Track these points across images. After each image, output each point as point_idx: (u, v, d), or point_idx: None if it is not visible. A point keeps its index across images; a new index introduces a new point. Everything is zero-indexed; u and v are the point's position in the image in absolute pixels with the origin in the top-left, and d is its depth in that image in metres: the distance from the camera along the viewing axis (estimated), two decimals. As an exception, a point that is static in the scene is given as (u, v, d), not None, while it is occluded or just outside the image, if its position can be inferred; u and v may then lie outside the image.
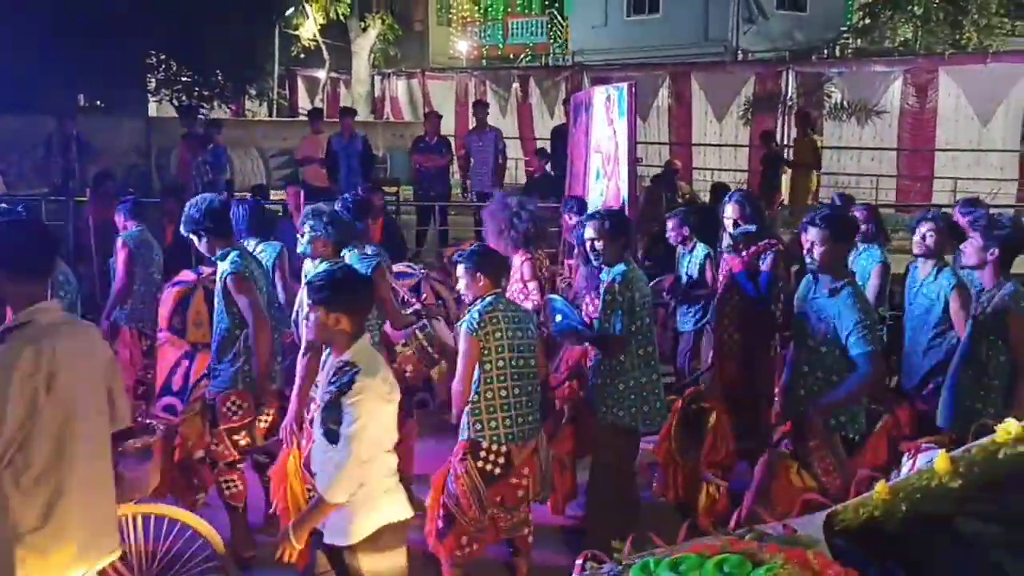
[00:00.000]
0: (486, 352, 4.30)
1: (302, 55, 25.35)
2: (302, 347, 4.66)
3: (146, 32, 14.74)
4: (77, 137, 11.21)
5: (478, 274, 4.42)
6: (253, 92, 19.43)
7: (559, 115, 17.38)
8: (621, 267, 4.81)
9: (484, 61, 29.32)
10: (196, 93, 16.91)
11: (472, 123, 13.24)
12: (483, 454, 4.29)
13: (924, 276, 5.11)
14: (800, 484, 4.16)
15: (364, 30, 23.78)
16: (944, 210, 6.40)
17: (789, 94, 16.18)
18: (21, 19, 12.82)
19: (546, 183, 10.86)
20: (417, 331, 5.66)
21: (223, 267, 4.73)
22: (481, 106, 12.74)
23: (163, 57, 16.67)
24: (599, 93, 8.20)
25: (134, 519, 3.98)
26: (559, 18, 28.82)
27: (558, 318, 5.03)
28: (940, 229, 5.07)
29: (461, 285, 4.55)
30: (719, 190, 9.61)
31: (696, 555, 2.69)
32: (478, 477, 4.28)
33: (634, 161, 7.48)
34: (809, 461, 4.29)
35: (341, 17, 23.43)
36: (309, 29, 24.25)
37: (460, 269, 4.51)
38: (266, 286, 5.00)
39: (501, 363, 4.31)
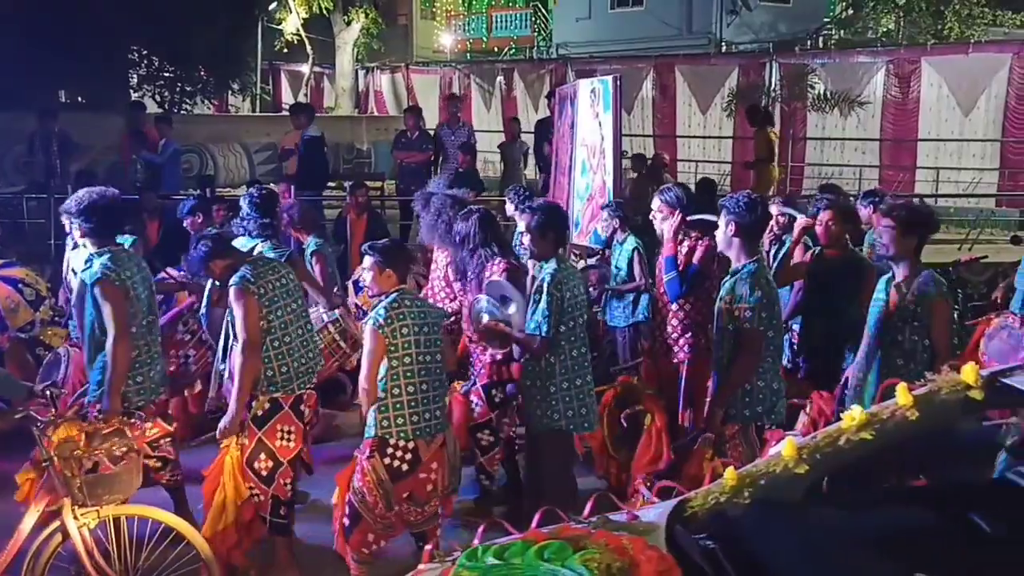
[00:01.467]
0: (393, 348, 4.26)
1: (285, 50, 25.20)
2: (238, 346, 4.51)
3: (128, 27, 14.61)
4: (58, 134, 11.12)
5: (387, 270, 4.41)
6: (236, 87, 19.30)
7: (543, 108, 17.39)
8: (552, 266, 4.68)
9: (468, 55, 29.26)
10: (179, 89, 16.80)
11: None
12: (390, 450, 4.27)
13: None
14: (707, 470, 4.21)
15: (348, 24, 23.66)
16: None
17: (772, 85, 16.22)
18: (2, 15, 12.70)
19: (470, 178, 10.79)
20: (329, 325, 5.67)
21: (91, 271, 4.60)
22: (454, 100, 12.72)
23: (145, 52, 16.54)
24: (584, 86, 8.20)
25: (116, 520, 3.98)
26: (543, 11, 28.78)
27: (484, 318, 4.95)
28: (841, 217, 5.15)
29: (367, 277, 4.52)
30: (705, 186, 9.57)
31: (523, 542, 2.73)
32: (384, 473, 4.26)
33: (619, 154, 7.49)
34: (725, 449, 4.39)
35: (324, 11, 23.30)
36: (292, 23, 24.10)
37: (367, 262, 4.47)
38: (146, 291, 4.83)
39: (408, 359, 4.28)
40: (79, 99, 16.63)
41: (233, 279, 4.56)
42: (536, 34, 29.11)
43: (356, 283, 7.18)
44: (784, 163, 15.97)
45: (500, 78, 20.42)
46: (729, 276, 4.55)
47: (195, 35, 15.21)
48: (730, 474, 2.99)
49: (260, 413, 4.53)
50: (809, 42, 21.37)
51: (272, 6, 23.18)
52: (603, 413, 5.33)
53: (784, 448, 2.95)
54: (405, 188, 11.97)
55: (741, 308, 4.37)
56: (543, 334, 4.59)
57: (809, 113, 16.11)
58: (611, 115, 7.29)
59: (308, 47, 23.93)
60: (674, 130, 17.42)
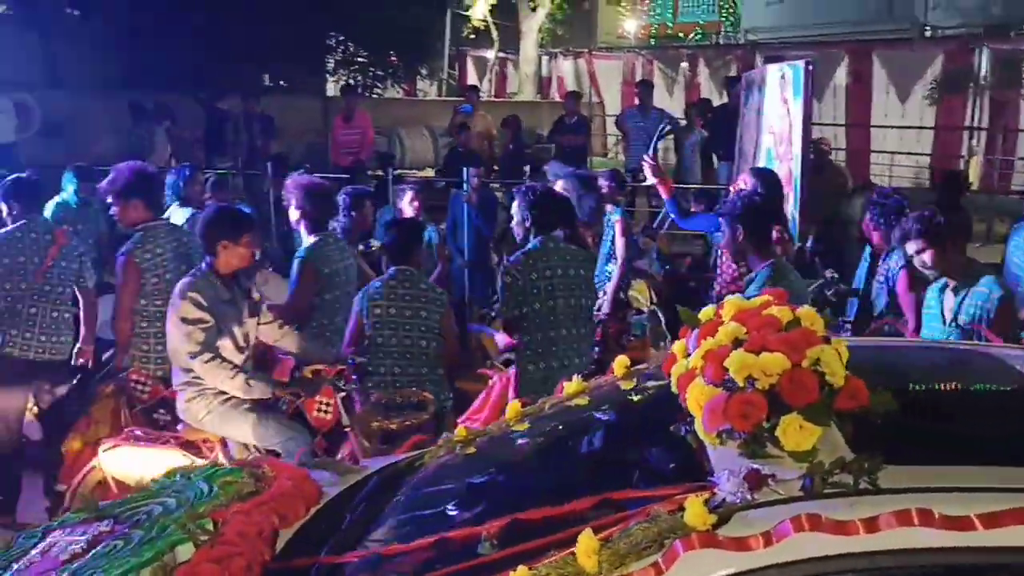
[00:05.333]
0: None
1: (472, 35, 25.71)
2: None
3: (326, 14, 15.35)
4: (260, 115, 11.80)
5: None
6: (425, 72, 19.91)
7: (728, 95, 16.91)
8: (530, 245, 4.74)
9: (653, 40, 28.86)
10: (371, 73, 17.50)
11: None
12: None
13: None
14: None
15: (533, 10, 23.83)
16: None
17: (982, 73, 15.06)
18: (214, 3, 13.63)
19: None
20: None
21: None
22: (645, 85, 12.71)
23: (341, 38, 17.32)
24: (773, 72, 7.92)
25: None
26: (732, -5, 27.99)
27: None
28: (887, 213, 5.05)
29: None
30: (952, 181, 8.24)
31: (214, 467, 3.02)
32: None
33: (808, 143, 7.19)
34: None
35: (511, -3, 23.61)
36: (480, 9, 24.55)
37: None
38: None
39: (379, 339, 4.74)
40: (280, 82, 17.62)
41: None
42: (723, 19, 28.32)
43: None
44: (991, 156, 14.85)
45: (684, 64, 20.01)
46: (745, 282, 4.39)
47: (388, 21, 15.79)
48: (460, 431, 3.07)
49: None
50: (1026, 26, 19.70)
51: (462, -8, 23.71)
52: None
53: (509, 409, 3.08)
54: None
55: None
56: (505, 315, 4.74)
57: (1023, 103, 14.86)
58: (801, 102, 6.99)
59: (494, 33, 24.30)
60: (868, 119, 16.50)
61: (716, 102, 14.62)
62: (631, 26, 30.35)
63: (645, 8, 30.82)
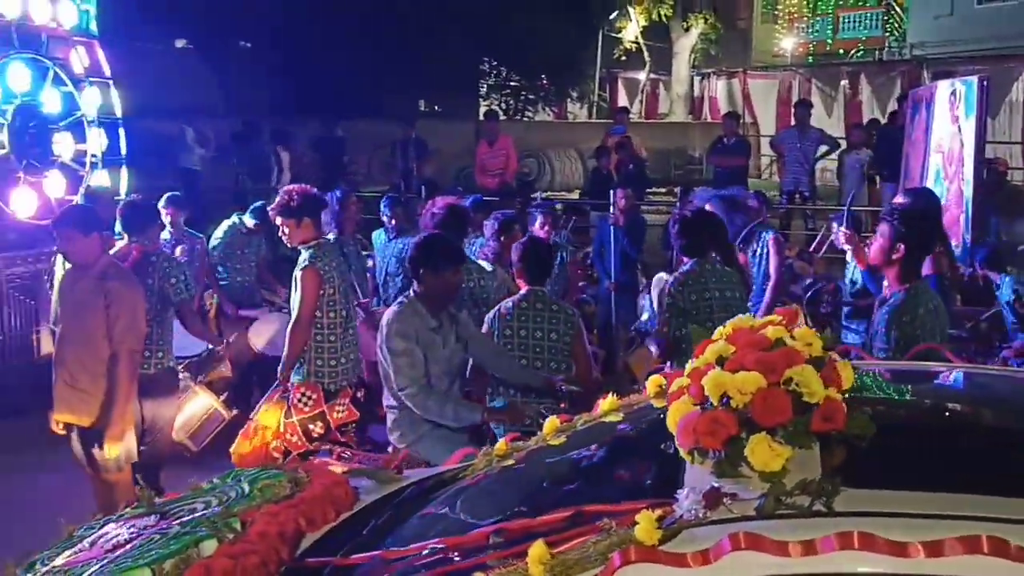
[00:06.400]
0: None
1: (623, 57, 25.70)
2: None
3: (480, 41, 15.71)
4: (415, 140, 12.19)
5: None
6: (575, 95, 20.03)
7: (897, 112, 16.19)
8: (686, 267, 4.77)
9: (810, 58, 28.00)
10: (522, 97, 17.78)
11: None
12: None
13: None
14: None
15: (686, 30, 23.62)
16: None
17: None
18: (375, 33, 14.22)
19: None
20: None
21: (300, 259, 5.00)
22: (804, 105, 12.37)
23: (494, 64, 17.69)
24: (943, 88, 7.59)
25: None
26: (896, 10, 26.79)
27: (644, 316, 5.00)
28: None
29: None
30: None
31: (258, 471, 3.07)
32: None
33: (981, 162, 6.81)
34: None
35: (663, 18, 23.44)
36: (631, 31, 24.52)
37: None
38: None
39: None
40: (435, 107, 18.15)
41: None
42: (888, 34, 27.16)
43: None
44: None
45: (844, 82, 19.30)
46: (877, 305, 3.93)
47: (540, 46, 16.01)
48: (500, 444, 3.11)
49: None
50: None
51: (612, 16, 23.72)
52: None
53: (547, 424, 3.10)
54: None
55: (876, 347, 3.69)
56: (667, 336, 4.75)
57: None
58: (974, 119, 6.65)
59: (646, 54, 24.20)
60: (1049, 137, 15.45)
61: (879, 121, 14.01)
62: (787, 44, 29.55)
63: (803, 25, 29.94)
